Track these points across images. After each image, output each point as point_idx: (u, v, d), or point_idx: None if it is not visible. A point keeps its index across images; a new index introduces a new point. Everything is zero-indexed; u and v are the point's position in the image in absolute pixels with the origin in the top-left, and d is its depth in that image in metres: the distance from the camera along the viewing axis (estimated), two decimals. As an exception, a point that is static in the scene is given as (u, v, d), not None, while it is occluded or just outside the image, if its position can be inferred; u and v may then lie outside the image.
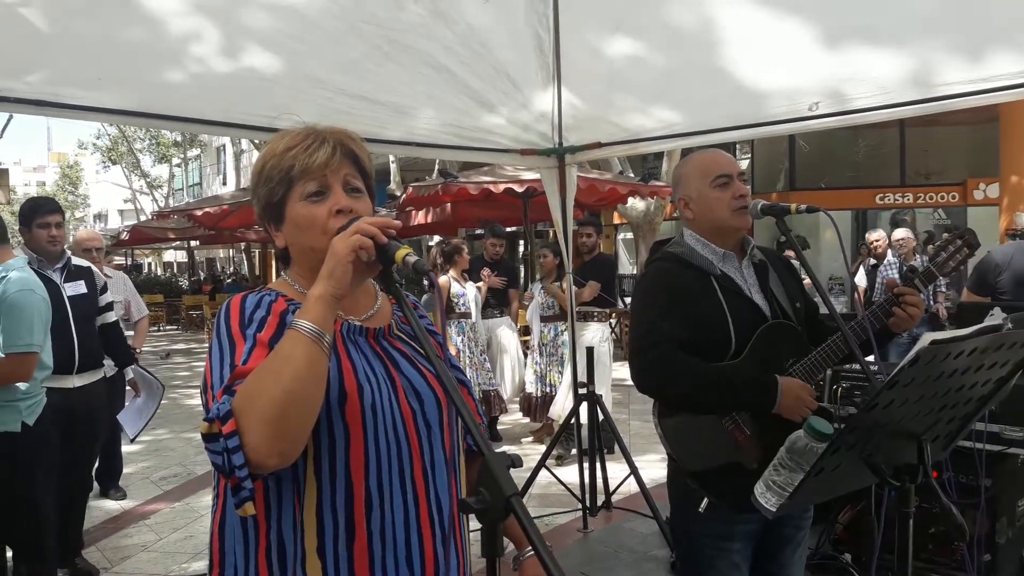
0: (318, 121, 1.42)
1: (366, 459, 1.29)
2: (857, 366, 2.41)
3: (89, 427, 3.93)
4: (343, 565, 1.27)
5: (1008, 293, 4.94)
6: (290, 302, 1.35)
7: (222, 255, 38.28)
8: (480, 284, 6.72)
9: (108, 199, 50.78)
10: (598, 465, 4.47)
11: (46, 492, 3.36)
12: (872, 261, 8.27)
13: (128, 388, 4.58)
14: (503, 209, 9.36)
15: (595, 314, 6.31)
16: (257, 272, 25.76)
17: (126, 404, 4.59)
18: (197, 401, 8.78)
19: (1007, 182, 12.71)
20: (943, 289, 7.76)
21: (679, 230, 2.35)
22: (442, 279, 6.44)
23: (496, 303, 6.95)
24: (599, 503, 4.49)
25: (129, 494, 5.51)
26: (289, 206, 1.36)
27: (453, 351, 6.30)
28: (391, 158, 16.02)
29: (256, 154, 2.01)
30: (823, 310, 2.29)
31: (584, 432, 4.55)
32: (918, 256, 7.72)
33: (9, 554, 3.48)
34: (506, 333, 6.99)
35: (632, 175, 11.21)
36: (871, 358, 2.14)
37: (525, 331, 7.88)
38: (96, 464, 5.36)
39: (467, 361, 6.44)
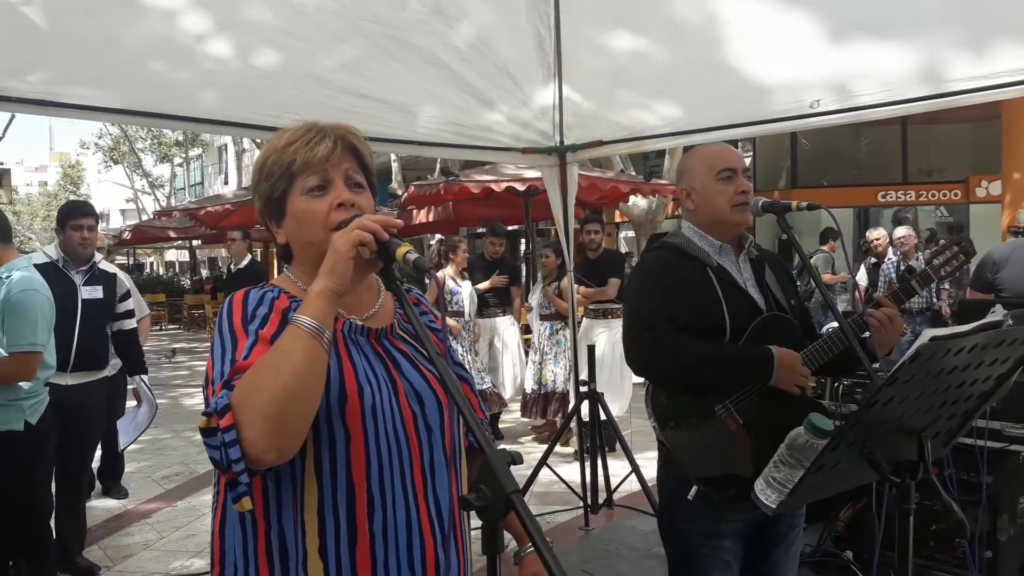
0: (320, 120, 1.42)
1: (367, 460, 1.28)
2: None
3: (82, 424, 3.94)
4: (345, 566, 1.27)
5: (1007, 290, 4.96)
6: (292, 299, 1.35)
7: (224, 254, 38.29)
8: (485, 284, 6.72)
9: (110, 199, 50.80)
10: (599, 463, 4.48)
11: (47, 490, 3.36)
12: (873, 260, 8.25)
13: (131, 391, 4.59)
14: (505, 208, 9.36)
15: (615, 311, 6.27)
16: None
17: (127, 408, 4.62)
18: (198, 400, 8.79)
19: (1009, 179, 12.72)
20: (946, 287, 7.74)
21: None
22: (438, 275, 6.44)
23: (498, 302, 6.94)
24: (600, 501, 4.50)
25: (131, 493, 5.53)
26: (290, 201, 1.35)
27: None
28: (393, 157, 16.01)
29: (257, 153, 2.01)
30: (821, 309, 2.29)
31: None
32: (919, 255, 7.71)
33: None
34: (508, 331, 6.99)
35: (634, 173, 11.21)
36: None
37: (527, 329, 7.88)
38: (97, 463, 5.39)
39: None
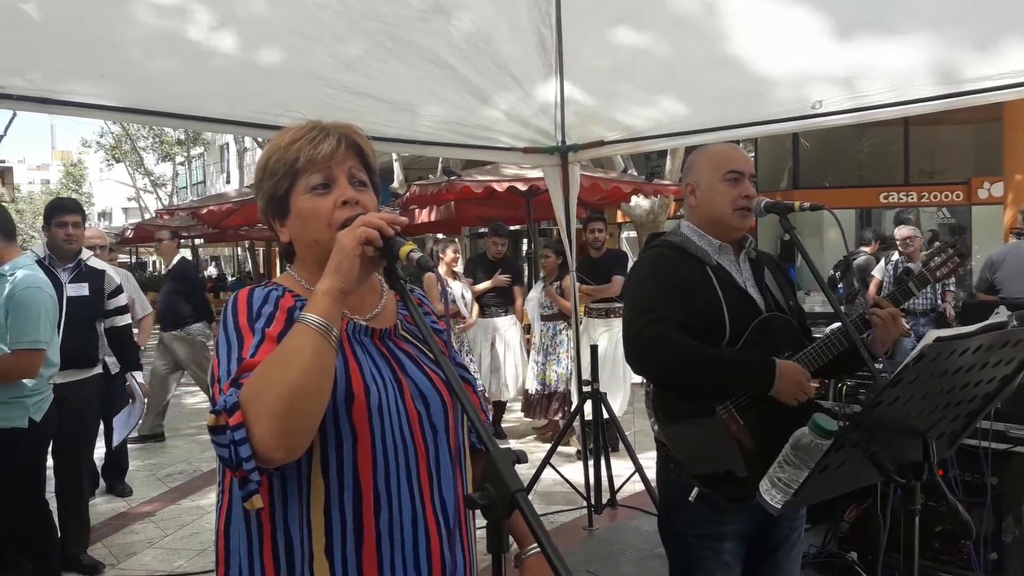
0: (321, 119, 1.42)
1: (374, 460, 1.28)
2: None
3: (75, 422, 3.91)
4: (351, 566, 1.27)
5: (1004, 290, 4.97)
6: (297, 298, 1.34)
7: (227, 253, 38.31)
8: (487, 284, 6.72)
9: (112, 197, 50.91)
10: (603, 463, 4.47)
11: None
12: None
13: (128, 388, 4.59)
14: (507, 207, 9.35)
15: (617, 311, 6.26)
16: (262, 271, 25.80)
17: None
18: (201, 399, 8.80)
19: (1011, 181, 12.69)
20: (951, 288, 7.71)
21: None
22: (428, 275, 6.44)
23: (500, 302, 6.94)
24: (604, 501, 4.50)
25: (135, 491, 5.53)
26: (294, 199, 1.35)
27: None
28: (394, 156, 16.01)
29: (259, 152, 2.01)
30: (820, 310, 2.30)
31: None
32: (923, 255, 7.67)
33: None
34: (510, 331, 6.98)
35: (635, 173, 11.20)
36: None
37: (530, 329, 7.87)
38: (102, 461, 5.39)
39: None
